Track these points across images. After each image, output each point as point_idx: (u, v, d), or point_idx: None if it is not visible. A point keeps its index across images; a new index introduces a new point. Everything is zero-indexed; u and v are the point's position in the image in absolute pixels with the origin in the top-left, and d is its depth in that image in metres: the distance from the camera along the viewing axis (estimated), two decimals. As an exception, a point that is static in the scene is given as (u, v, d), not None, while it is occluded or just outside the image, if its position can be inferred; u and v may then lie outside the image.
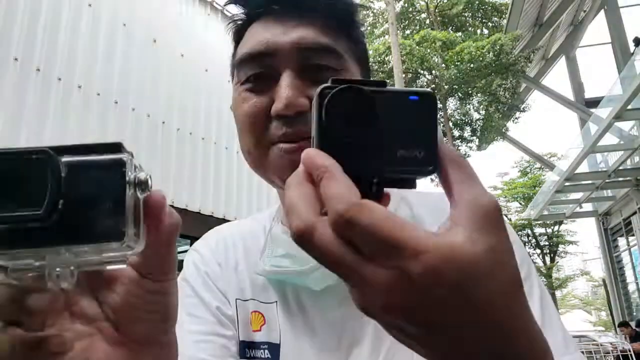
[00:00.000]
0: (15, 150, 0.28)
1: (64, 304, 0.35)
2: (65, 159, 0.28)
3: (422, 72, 13.50)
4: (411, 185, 0.35)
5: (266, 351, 0.69)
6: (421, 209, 0.74)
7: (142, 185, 0.30)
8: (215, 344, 0.68)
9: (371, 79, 0.49)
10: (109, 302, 0.37)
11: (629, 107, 7.92)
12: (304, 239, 0.31)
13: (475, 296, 0.29)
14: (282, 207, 0.79)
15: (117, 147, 0.30)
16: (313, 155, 0.33)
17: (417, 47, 12.90)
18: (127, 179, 0.29)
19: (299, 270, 0.68)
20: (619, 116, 8.10)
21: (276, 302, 0.71)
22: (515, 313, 0.30)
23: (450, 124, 14.07)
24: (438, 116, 0.34)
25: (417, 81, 13.59)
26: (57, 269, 0.29)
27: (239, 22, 0.73)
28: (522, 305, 0.31)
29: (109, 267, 0.31)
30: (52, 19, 5.68)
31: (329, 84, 0.34)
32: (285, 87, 0.63)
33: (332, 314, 0.68)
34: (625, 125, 9.17)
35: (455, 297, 0.28)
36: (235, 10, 0.73)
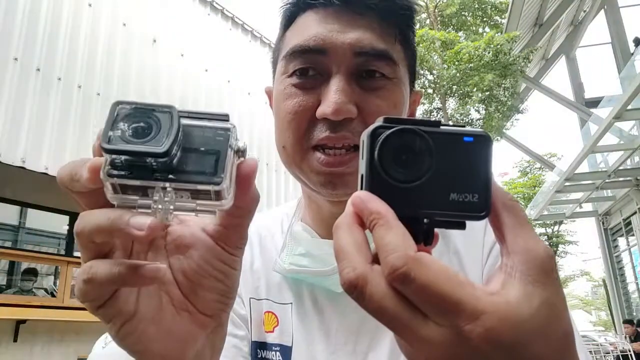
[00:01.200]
0: (147, 104, 0.33)
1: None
2: (185, 119, 0.34)
3: (422, 72, 13.49)
4: (462, 226, 0.34)
5: (278, 353, 0.68)
6: None
7: (240, 152, 0.36)
8: (228, 344, 0.66)
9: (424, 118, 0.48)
10: (182, 266, 0.39)
11: (629, 107, 7.91)
12: (356, 289, 0.30)
13: (529, 355, 0.28)
14: (304, 204, 0.77)
15: (225, 117, 0.35)
16: (366, 199, 0.32)
17: (416, 46, 12.89)
18: (230, 141, 0.34)
19: (320, 271, 0.66)
20: (618, 116, 8.09)
21: (291, 303, 0.70)
22: None
23: (451, 123, 14.04)
24: (492, 157, 0.34)
25: (416, 81, 13.56)
26: (160, 206, 0.33)
27: (291, 7, 0.69)
28: (572, 357, 0.31)
29: (201, 215, 0.35)
30: (52, 19, 5.68)
31: (381, 122, 0.33)
32: (336, 92, 0.61)
33: (351, 316, 0.66)
34: (625, 125, 9.16)
35: (510, 358, 0.28)
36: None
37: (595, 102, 12.41)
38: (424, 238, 0.33)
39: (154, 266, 0.35)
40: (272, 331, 0.69)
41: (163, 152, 0.32)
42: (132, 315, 0.37)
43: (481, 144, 0.33)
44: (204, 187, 0.33)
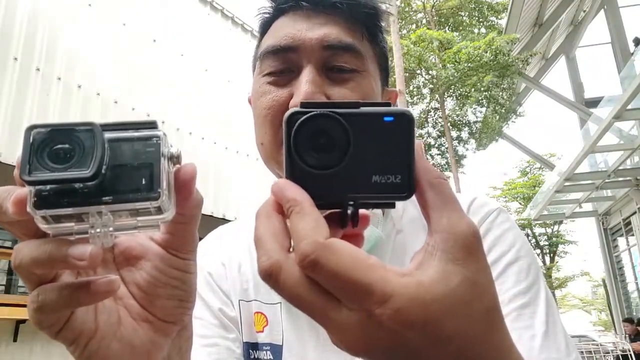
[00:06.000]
0: (65, 124, 0.31)
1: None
2: (109, 133, 0.32)
3: (419, 72, 13.49)
4: (391, 205, 0.33)
5: (268, 352, 0.69)
6: None
7: (174, 158, 0.34)
8: (221, 347, 0.68)
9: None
10: (135, 279, 0.39)
11: (629, 107, 7.91)
12: (270, 277, 0.30)
13: (444, 332, 0.28)
14: None
15: (153, 125, 0.33)
16: (283, 186, 0.32)
17: (413, 46, 12.90)
18: (161, 150, 0.32)
19: None
20: (618, 116, 8.08)
21: (280, 303, 0.71)
22: (490, 343, 0.30)
23: (449, 124, 14.06)
24: (415, 135, 0.33)
25: (414, 80, 13.57)
26: (98, 230, 0.32)
27: (267, 15, 0.74)
28: (498, 334, 0.31)
29: (143, 231, 0.34)
30: (52, 19, 5.68)
31: (298, 108, 0.32)
32: (305, 82, 0.63)
33: None
34: (625, 125, 9.16)
35: (424, 336, 0.28)
36: (257, 4, 0.75)
37: (595, 102, 12.40)
38: (351, 221, 0.33)
39: (105, 279, 0.34)
40: (262, 331, 0.70)
41: (90, 176, 0.30)
42: (93, 334, 0.36)
43: (402, 123, 0.32)
44: (142, 205, 0.32)
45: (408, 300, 0.28)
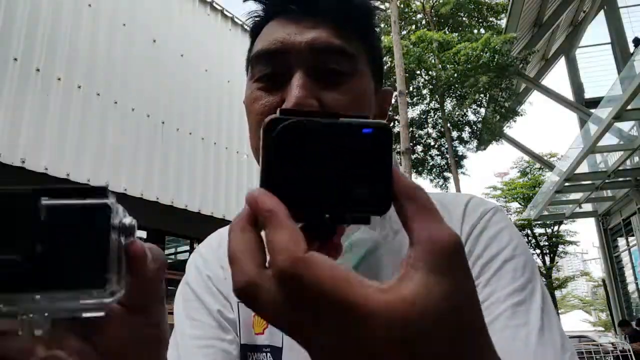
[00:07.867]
0: None
1: (56, 342, 0.33)
2: (48, 201, 0.27)
3: (418, 72, 13.49)
4: (366, 221, 0.33)
5: (268, 354, 0.68)
6: None
7: (127, 231, 0.30)
8: (217, 349, 0.68)
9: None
10: (99, 341, 0.36)
11: (629, 107, 7.93)
12: (246, 295, 0.29)
13: (424, 348, 0.27)
14: None
15: (102, 191, 0.28)
16: (257, 196, 0.30)
17: (413, 47, 12.90)
18: (111, 224, 0.28)
19: None
20: (618, 116, 8.10)
21: None
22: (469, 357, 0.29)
23: (449, 124, 14.06)
24: (393, 149, 0.32)
25: (413, 81, 13.57)
26: (31, 315, 0.27)
27: (257, 19, 0.74)
28: (478, 349, 0.30)
29: (86, 315, 0.29)
30: (52, 19, 5.68)
31: (277, 115, 0.31)
32: (296, 87, 0.63)
33: None
34: (625, 126, 9.17)
35: (403, 353, 0.27)
36: (253, 7, 0.74)
37: (595, 102, 12.41)
38: (327, 233, 0.32)
39: None
40: (263, 333, 0.70)
41: (22, 260, 0.26)
42: None
43: (381, 135, 0.31)
44: (84, 292, 0.27)
45: (390, 318, 0.27)
